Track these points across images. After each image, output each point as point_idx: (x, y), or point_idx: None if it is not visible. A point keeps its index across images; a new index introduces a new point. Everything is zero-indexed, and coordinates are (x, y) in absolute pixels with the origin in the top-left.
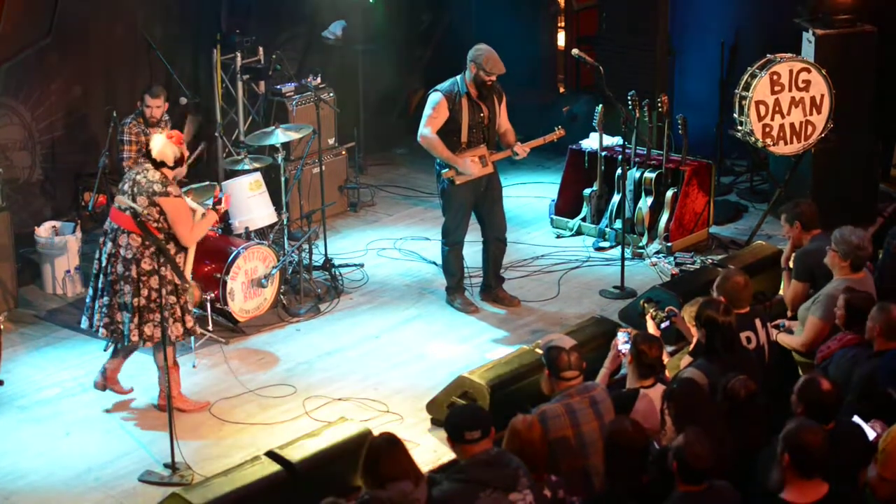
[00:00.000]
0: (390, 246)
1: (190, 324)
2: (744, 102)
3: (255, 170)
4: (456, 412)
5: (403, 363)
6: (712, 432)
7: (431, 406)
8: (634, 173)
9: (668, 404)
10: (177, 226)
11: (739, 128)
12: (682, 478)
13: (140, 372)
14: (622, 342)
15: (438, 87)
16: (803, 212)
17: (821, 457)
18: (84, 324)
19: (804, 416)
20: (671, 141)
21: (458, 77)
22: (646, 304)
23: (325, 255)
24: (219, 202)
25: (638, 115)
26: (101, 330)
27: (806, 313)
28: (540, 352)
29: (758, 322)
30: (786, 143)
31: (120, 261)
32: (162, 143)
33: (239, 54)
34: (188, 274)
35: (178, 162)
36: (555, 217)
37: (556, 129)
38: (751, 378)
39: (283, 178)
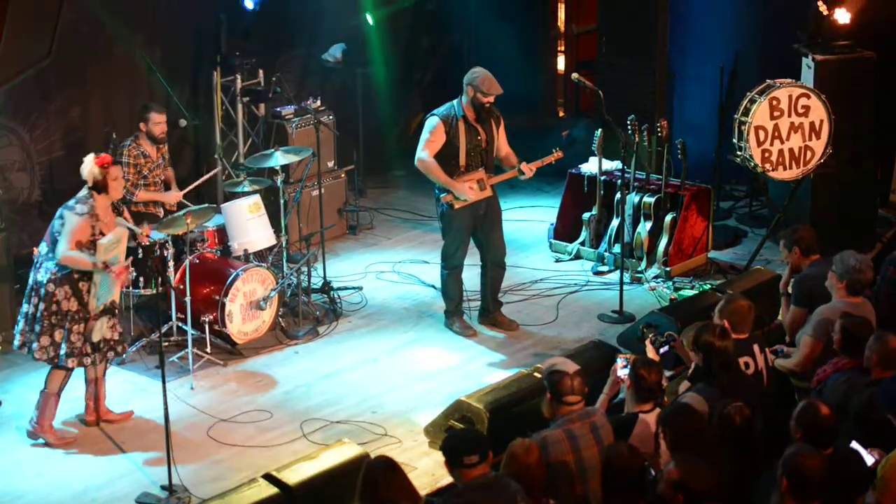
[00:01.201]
0: (389, 269)
1: (60, 351)
2: (743, 128)
3: (255, 192)
4: (454, 436)
5: (401, 386)
6: (708, 457)
7: (429, 429)
8: (633, 198)
9: (663, 429)
10: (62, 237)
11: (739, 153)
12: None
13: (136, 393)
14: (621, 367)
15: (435, 111)
16: (802, 237)
17: (819, 482)
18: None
19: (802, 441)
20: (670, 165)
21: (455, 101)
22: (645, 329)
23: (324, 277)
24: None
25: (637, 139)
26: (17, 336)
27: (802, 335)
28: (539, 376)
29: (756, 347)
30: (785, 169)
31: (32, 270)
32: (84, 163)
33: (239, 76)
34: (92, 306)
35: (98, 185)
36: (554, 241)
37: (553, 150)
38: (749, 403)
39: (282, 201)
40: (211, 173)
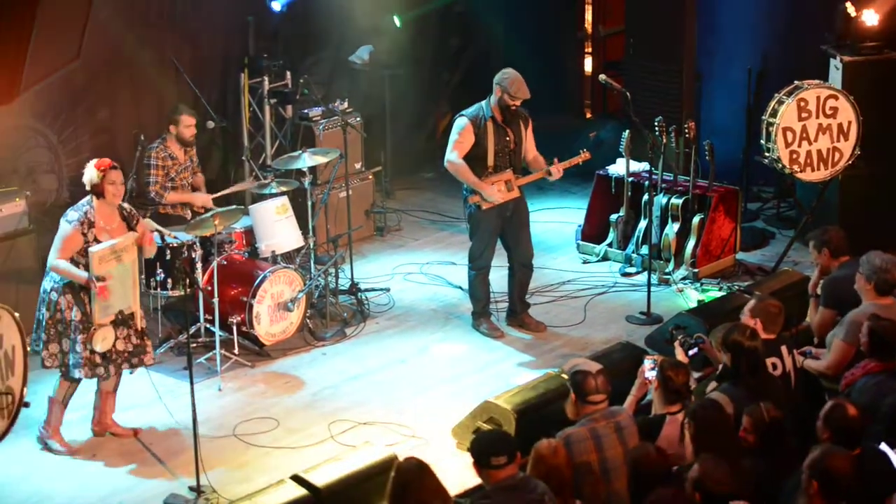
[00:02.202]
0: (416, 270)
1: (68, 360)
2: (771, 129)
3: (282, 193)
4: (482, 437)
5: (429, 388)
6: (731, 455)
7: (457, 431)
8: (661, 199)
9: (688, 422)
10: (53, 245)
11: (766, 154)
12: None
13: (164, 394)
14: (648, 369)
15: (464, 112)
16: (831, 238)
17: (848, 483)
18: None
19: (830, 441)
20: (698, 167)
21: (484, 102)
22: (674, 331)
23: (352, 279)
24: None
25: (665, 140)
26: (32, 342)
27: (833, 339)
28: (566, 377)
29: (784, 349)
30: (813, 170)
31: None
32: (86, 168)
33: (266, 78)
34: (97, 317)
35: (95, 190)
36: (581, 242)
37: (580, 151)
38: (777, 404)
39: (309, 202)
40: (245, 185)
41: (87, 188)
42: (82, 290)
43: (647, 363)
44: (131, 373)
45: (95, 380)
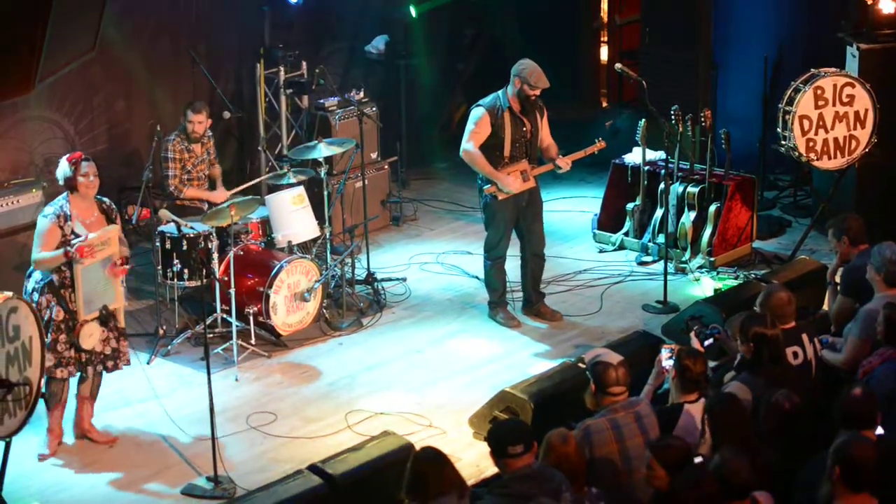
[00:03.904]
0: (433, 260)
1: (49, 363)
2: (787, 117)
3: (298, 184)
4: (498, 427)
5: (445, 377)
6: (749, 447)
7: (474, 420)
8: (677, 188)
9: (707, 417)
10: (34, 242)
11: (783, 142)
12: (726, 494)
13: (181, 385)
14: (665, 358)
15: (481, 101)
16: (851, 226)
17: (871, 471)
18: None
19: (840, 425)
20: (714, 155)
21: (500, 92)
22: (690, 322)
23: (368, 269)
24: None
25: (681, 129)
26: None
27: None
28: (583, 366)
29: (805, 337)
30: (829, 158)
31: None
32: (59, 164)
33: (282, 68)
34: (81, 313)
35: (69, 183)
36: (597, 231)
37: (596, 140)
38: (796, 392)
39: (325, 192)
40: (259, 179)
41: (61, 183)
42: (63, 288)
43: (665, 352)
44: (165, 354)
45: (76, 384)
